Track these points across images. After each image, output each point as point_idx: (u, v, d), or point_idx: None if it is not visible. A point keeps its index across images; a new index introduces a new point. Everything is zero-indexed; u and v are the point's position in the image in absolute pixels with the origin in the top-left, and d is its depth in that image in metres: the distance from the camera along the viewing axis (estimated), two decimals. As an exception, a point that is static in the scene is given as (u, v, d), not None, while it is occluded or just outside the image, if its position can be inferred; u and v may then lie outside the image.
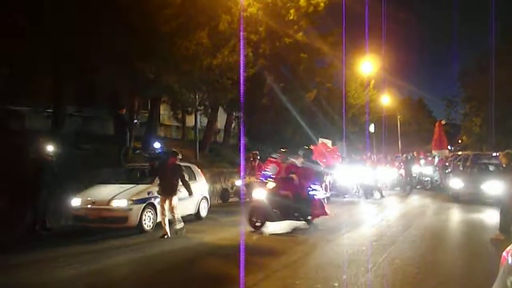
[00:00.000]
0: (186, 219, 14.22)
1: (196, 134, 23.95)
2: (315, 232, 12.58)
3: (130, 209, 12.28)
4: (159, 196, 12.42)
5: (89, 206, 12.50)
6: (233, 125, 34.76)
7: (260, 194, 13.09)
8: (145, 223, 12.60)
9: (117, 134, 18.76)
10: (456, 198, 20.31)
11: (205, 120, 30.21)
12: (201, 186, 15.58)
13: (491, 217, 14.74)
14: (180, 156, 12.90)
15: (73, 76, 19.37)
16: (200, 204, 15.22)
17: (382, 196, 22.49)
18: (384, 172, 25.81)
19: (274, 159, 14.13)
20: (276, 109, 32.20)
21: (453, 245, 11.31)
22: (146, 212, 12.67)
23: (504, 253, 4.51)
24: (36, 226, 12.49)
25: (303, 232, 12.61)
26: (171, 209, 12.10)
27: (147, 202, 12.72)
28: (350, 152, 37.80)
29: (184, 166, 15.66)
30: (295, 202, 13.13)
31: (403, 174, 27.28)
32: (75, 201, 12.73)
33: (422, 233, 12.81)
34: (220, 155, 28.81)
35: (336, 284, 7.42)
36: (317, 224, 13.93)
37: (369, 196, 22.09)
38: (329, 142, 31.56)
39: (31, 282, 7.94)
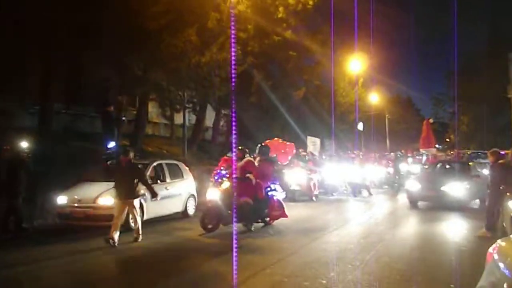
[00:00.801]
0: (173, 217, 14.19)
1: (184, 132, 23.89)
2: (303, 230, 12.55)
3: None
4: (116, 200, 11.06)
5: (75, 204, 12.26)
6: (221, 123, 34.75)
7: (214, 195, 12.30)
8: (131, 221, 12.37)
9: (104, 132, 18.65)
10: (412, 202, 17.65)
11: (193, 118, 30.18)
12: (188, 184, 15.49)
13: (478, 215, 14.81)
14: (132, 154, 11.38)
15: (60, 73, 19.27)
16: (188, 202, 15.12)
17: (370, 194, 22.54)
18: (372, 170, 25.86)
19: (229, 158, 13.40)
20: (265, 107, 32.24)
21: (440, 242, 11.35)
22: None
23: (490, 250, 4.53)
24: (10, 224, 12.05)
25: (291, 230, 12.56)
26: (133, 216, 11.00)
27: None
28: (338, 150, 37.96)
29: (170, 163, 15.56)
30: (252, 204, 12.34)
31: (391, 172, 27.35)
32: (61, 199, 12.49)
33: (409, 231, 12.88)
34: (208, 152, 28.79)
35: (324, 281, 7.42)
36: (304, 222, 13.94)
37: (357, 194, 22.13)
38: (317, 141, 31.64)
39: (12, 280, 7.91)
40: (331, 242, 10.98)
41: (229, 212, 11.85)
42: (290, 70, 31.85)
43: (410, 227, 13.68)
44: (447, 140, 63.70)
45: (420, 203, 17.64)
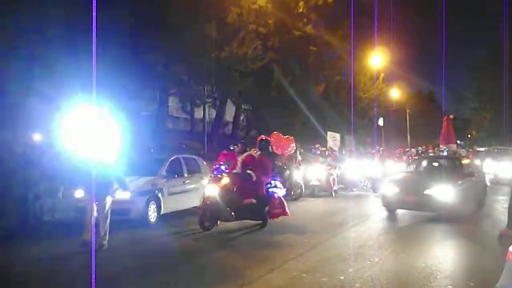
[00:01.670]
0: (192, 211, 14.19)
1: (204, 127, 23.97)
2: (322, 226, 12.52)
3: (134, 201, 12.00)
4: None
5: None
6: (241, 118, 34.81)
7: (213, 191, 11.62)
8: (149, 216, 12.37)
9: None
10: (390, 211, 14.57)
11: (213, 113, 30.27)
12: (206, 178, 15.47)
13: (497, 211, 14.64)
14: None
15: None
16: (205, 197, 15.11)
17: (390, 190, 22.40)
18: (393, 166, 25.69)
19: (228, 152, 13.03)
20: (285, 102, 32.20)
21: (460, 238, 11.25)
22: (151, 205, 12.44)
23: (510, 249, 4.48)
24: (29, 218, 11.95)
25: (309, 226, 12.54)
26: (104, 216, 9.93)
27: (151, 194, 12.48)
28: (358, 145, 37.79)
29: (188, 158, 15.41)
30: (254, 202, 11.79)
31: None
32: (78, 193, 12.37)
33: (428, 227, 12.75)
34: (228, 148, 28.85)
35: (342, 278, 7.42)
36: (323, 217, 13.92)
37: (377, 189, 21.99)
38: (337, 136, 31.50)
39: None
40: (350, 238, 10.95)
41: (228, 209, 11.42)
42: (310, 65, 31.79)
43: (429, 223, 13.51)
44: (469, 136, 63.06)
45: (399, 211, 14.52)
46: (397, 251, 9.39)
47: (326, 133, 30.26)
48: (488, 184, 16.57)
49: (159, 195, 12.76)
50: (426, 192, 13.24)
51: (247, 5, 21.35)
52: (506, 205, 11.35)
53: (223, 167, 12.22)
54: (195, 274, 7.87)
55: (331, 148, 26.56)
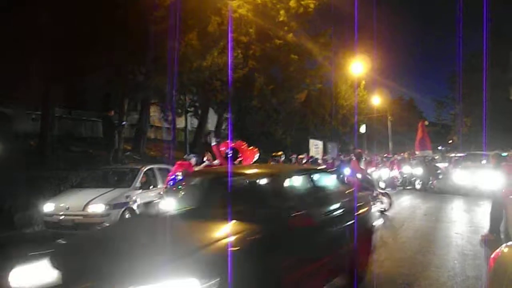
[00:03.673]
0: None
1: (186, 136, 23.84)
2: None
3: (108, 215, 11.68)
4: None
5: (62, 212, 11.83)
6: (223, 126, 34.74)
7: (170, 205, 9.35)
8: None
9: (105, 136, 18.62)
10: None
11: (195, 122, 30.18)
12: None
13: (475, 212, 14.71)
14: None
15: (61, 78, 19.22)
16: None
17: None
18: (375, 173, 25.72)
19: (183, 162, 12.34)
20: (267, 110, 32.22)
21: (443, 245, 11.27)
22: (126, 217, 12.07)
23: (492, 256, 4.45)
24: None
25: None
26: None
27: (126, 207, 12.19)
28: (340, 153, 37.95)
29: (162, 168, 14.78)
30: None
31: (396, 175, 27.32)
32: (48, 206, 12.14)
33: (412, 235, 12.76)
34: (211, 156, 28.74)
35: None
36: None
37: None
38: (320, 144, 31.61)
39: None
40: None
41: None
42: (292, 73, 31.81)
43: (412, 229, 13.55)
44: (450, 142, 63.66)
45: None
46: (380, 259, 9.36)
47: (308, 141, 30.36)
48: (379, 223, 11.04)
49: (134, 207, 12.46)
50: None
51: (228, 14, 21.31)
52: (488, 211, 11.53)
53: (179, 177, 11.56)
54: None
55: (310, 156, 26.60)
